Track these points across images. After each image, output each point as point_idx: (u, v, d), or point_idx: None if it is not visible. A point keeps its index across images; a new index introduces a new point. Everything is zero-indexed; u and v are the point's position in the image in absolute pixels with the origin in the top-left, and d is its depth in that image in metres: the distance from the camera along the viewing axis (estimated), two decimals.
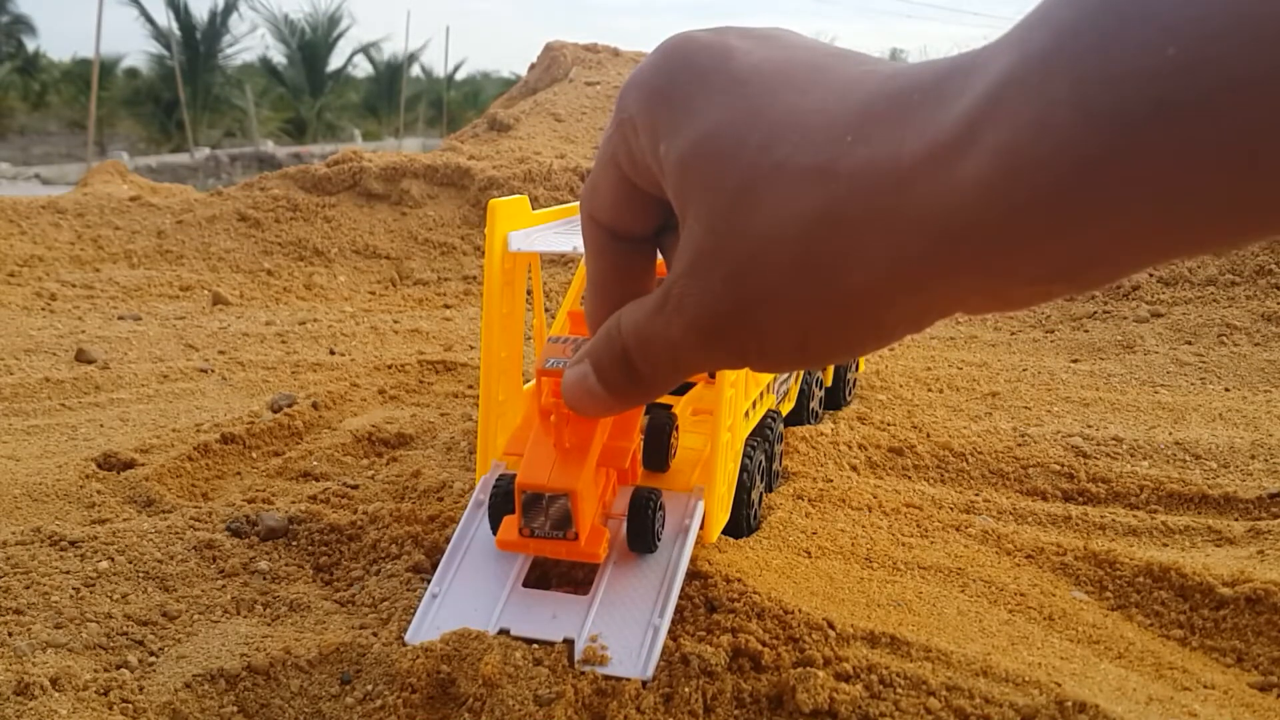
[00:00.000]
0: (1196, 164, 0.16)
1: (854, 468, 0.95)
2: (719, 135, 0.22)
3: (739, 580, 0.64)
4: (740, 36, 0.25)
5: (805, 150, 0.21)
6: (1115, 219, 0.17)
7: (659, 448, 0.64)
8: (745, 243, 0.22)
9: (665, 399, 0.86)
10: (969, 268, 0.19)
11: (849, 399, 1.15)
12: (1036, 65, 0.17)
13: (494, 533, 0.60)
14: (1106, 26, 0.16)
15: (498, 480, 0.62)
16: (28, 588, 0.64)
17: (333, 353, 1.50)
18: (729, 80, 0.23)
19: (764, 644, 0.58)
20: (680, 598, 0.62)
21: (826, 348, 0.23)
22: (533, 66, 4.18)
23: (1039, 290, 0.19)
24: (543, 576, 0.66)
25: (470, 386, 1.29)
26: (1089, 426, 1.08)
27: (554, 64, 4.00)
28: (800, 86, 0.22)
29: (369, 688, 0.56)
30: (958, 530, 0.82)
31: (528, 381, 0.77)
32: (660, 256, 0.29)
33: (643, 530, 0.60)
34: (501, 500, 0.62)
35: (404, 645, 0.58)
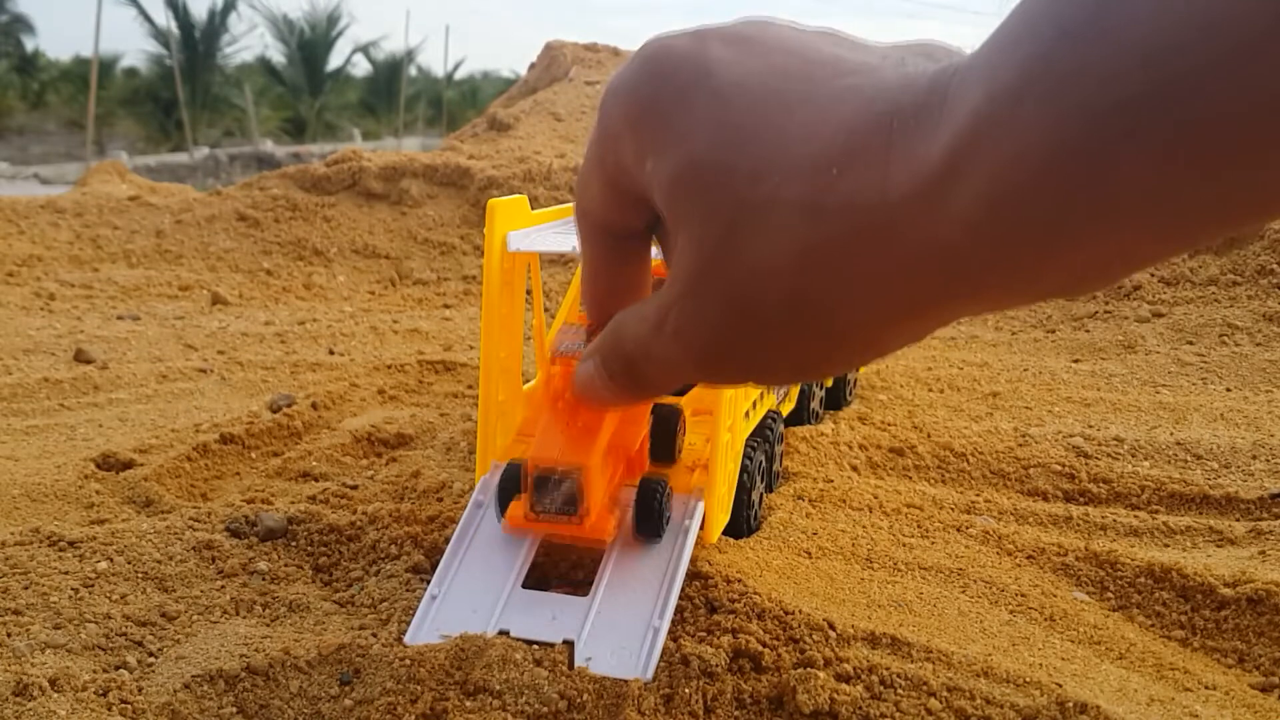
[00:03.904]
0: (1175, 178, 0.16)
1: (854, 468, 0.95)
2: (706, 162, 0.22)
3: (739, 581, 0.63)
4: (721, 43, 0.24)
5: (792, 182, 0.21)
6: (1101, 240, 0.18)
7: (666, 439, 0.65)
8: (739, 275, 0.22)
9: (666, 399, 0.86)
10: (963, 294, 0.20)
11: (850, 399, 1.15)
12: (1008, 99, 0.17)
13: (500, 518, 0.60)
14: (1072, 56, 0.17)
15: (507, 467, 0.62)
16: (26, 588, 0.64)
17: (332, 353, 1.50)
18: (712, 98, 0.23)
19: (764, 645, 0.58)
20: (680, 598, 0.61)
21: (824, 368, 0.24)
22: (532, 66, 4.18)
23: (1035, 299, 0.20)
24: (542, 578, 0.65)
25: (470, 386, 1.29)
26: (1090, 427, 1.08)
27: (554, 63, 4.00)
28: (785, 103, 0.22)
29: (368, 688, 0.56)
30: (959, 531, 0.81)
31: (527, 382, 0.77)
32: (656, 247, 0.30)
33: (650, 515, 0.60)
34: (511, 485, 0.61)
35: (403, 646, 0.58)
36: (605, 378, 0.27)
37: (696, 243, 0.23)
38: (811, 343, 0.22)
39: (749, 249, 0.21)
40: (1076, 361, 1.45)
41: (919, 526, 0.82)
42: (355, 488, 0.87)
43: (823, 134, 0.21)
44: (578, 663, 0.55)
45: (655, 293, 0.25)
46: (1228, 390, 1.25)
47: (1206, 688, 0.61)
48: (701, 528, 0.66)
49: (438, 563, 0.64)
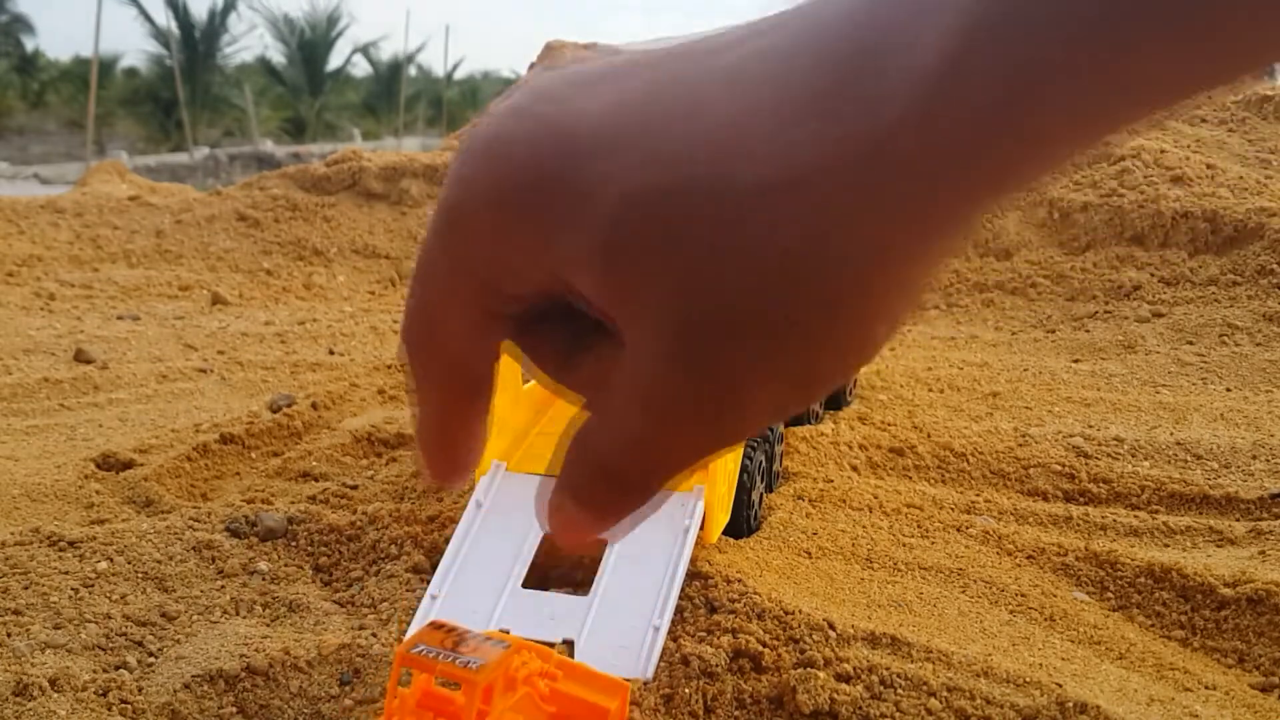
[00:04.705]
0: (1195, 49, 0.16)
1: (854, 468, 0.95)
2: (642, 198, 0.18)
3: (739, 581, 0.63)
4: (568, 85, 0.21)
5: (765, 162, 0.18)
6: (1118, 112, 0.17)
7: None
8: (739, 294, 0.18)
9: None
10: (982, 191, 0.18)
11: (849, 399, 1.15)
12: None
13: None
14: None
15: None
16: (26, 588, 0.64)
17: (332, 353, 1.50)
18: (611, 137, 0.19)
19: (764, 645, 0.58)
20: (681, 598, 0.61)
21: (828, 372, 0.20)
22: (532, 66, 4.18)
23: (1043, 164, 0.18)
24: (542, 578, 0.65)
25: None
26: (1090, 427, 1.08)
27: (554, 63, 4.00)
28: (707, 87, 0.19)
29: (368, 688, 0.56)
30: (958, 531, 0.81)
31: (528, 381, 0.77)
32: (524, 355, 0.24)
33: None
34: None
35: None
36: (578, 508, 0.22)
37: (666, 288, 0.19)
38: (822, 332, 0.19)
39: (744, 253, 0.18)
40: (1076, 361, 1.45)
41: (919, 526, 0.82)
42: (355, 488, 0.87)
43: (771, 100, 0.18)
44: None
45: (606, 393, 0.21)
46: (1228, 390, 1.25)
47: (1206, 688, 0.61)
48: (701, 528, 0.66)
49: (437, 563, 0.64)
